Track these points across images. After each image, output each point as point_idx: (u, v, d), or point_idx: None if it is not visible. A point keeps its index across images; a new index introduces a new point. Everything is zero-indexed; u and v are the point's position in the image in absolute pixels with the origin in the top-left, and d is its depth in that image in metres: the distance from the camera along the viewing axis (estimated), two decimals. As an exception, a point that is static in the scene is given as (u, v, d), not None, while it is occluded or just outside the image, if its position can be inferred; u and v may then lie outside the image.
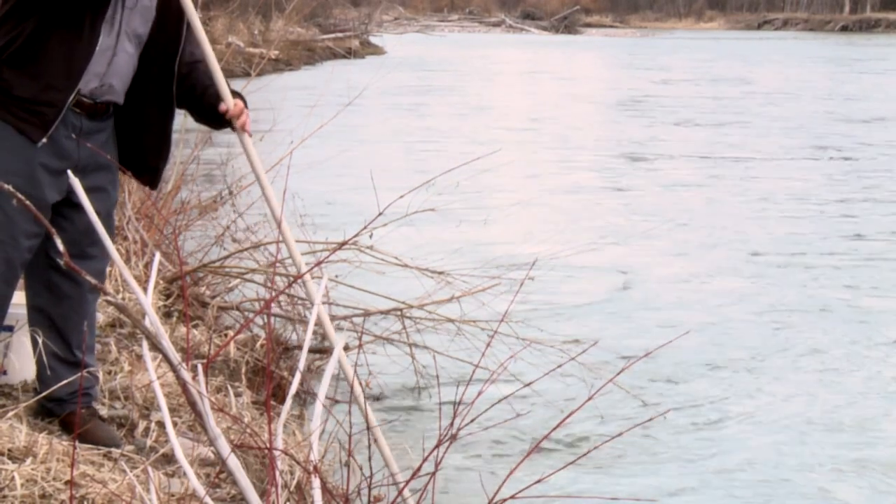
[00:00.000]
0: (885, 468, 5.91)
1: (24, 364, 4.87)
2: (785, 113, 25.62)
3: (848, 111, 25.86)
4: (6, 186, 3.38)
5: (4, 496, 3.65)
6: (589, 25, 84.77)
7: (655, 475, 5.77)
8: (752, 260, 10.81)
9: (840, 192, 14.89)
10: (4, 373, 4.92)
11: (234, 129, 4.61)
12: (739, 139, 20.59)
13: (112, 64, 4.37)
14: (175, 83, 4.54)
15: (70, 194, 4.20)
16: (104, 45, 4.33)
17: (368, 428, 3.82)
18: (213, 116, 4.62)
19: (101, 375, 5.01)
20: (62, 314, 4.56)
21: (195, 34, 4.52)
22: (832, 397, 7.03)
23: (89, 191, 3.74)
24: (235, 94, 4.61)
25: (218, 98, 4.54)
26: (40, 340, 4.59)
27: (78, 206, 3.92)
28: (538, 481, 3.28)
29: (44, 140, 4.28)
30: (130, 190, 7.38)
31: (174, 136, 4.67)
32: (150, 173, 4.67)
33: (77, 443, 4.00)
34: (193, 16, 4.51)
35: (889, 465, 5.94)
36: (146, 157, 4.60)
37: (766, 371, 7.56)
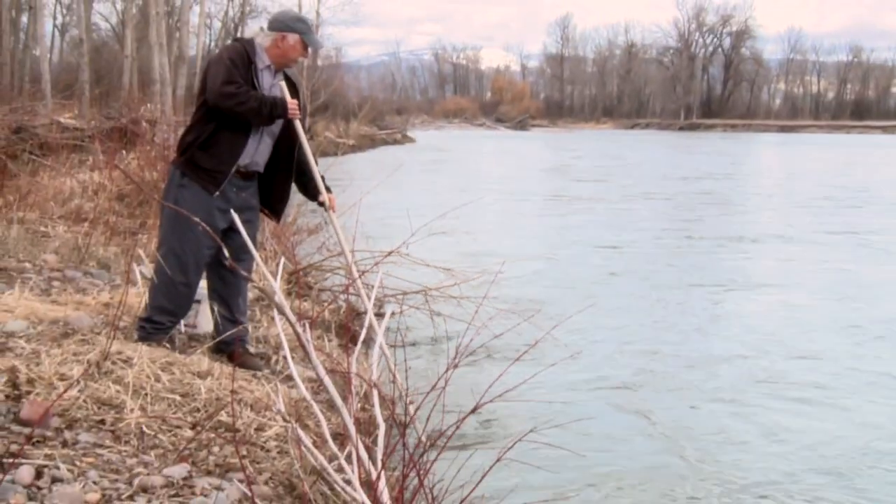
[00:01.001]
0: None
1: (206, 322, 4.86)
2: (635, 172, 25.94)
3: (678, 173, 25.86)
4: (195, 219, 3.40)
5: (195, 398, 3.64)
6: (535, 125, 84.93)
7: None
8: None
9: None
10: (194, 327, 4.92)
11: (324, 206, 4.67)
12: (606, 185, 20.66)
13: (257, 150, 4.41)
14: (294, 168, 4.54)
15: (232, 223, 4.20)
16: (253, 139, 4.36)
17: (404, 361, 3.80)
18: (314, 198, 4.70)
19: (250, 329, 5.00)
20: (228, 293, 4.58)
21: (303, 146, 4.55)
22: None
23: (243, 222, 3.75)
24: (327, 188, 4.67)
25: (317, 190, 4.62)
26: (216, 308, 4.59)
27: (237, 230, 3.93)
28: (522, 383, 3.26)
29: (217, 193, 4.32)
30: (268, 220, 7.37)
31: (291, 192, 4.70)
32: (276, 213, 4.68)
33: (236, 368, 3.99)
34: (303, 137, 4.54)
35: None
36: (274, 203, 4.61)
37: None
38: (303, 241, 8.12)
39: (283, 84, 4.44)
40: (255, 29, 4.62)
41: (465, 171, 27.42)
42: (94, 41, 33.36)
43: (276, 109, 4.29)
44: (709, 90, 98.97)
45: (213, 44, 43.83)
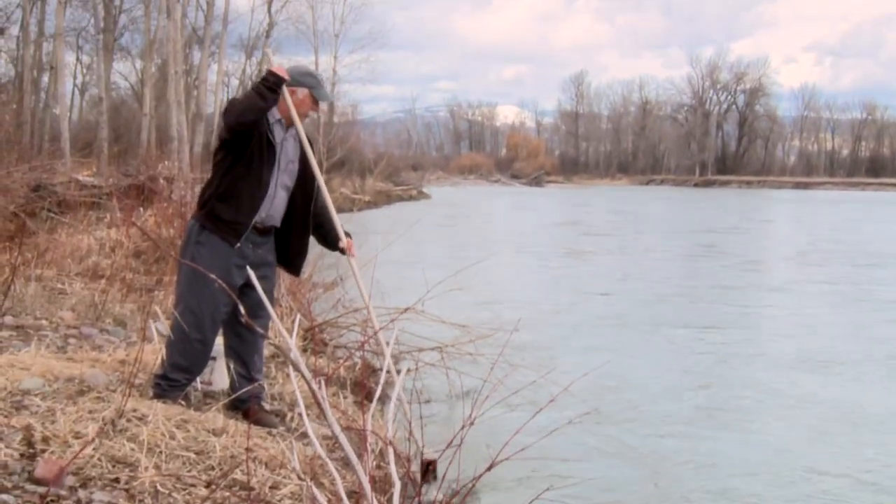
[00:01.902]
0: None
1: (222, 379, 4.86)
2: (648, 226, 25.88)
3: (690, 227, 25.87)
4: (212, 276, 3.41)
5: (210, 456, 3.63)
6: (550, 182, 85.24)
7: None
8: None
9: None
10: (210, 384, 4.91)
11: (344, 254, 4.67)
12: (620, 240, 20.65)
13: (272, 204, 4.43)
14: (312, 221, 4.56)
15: (248, 279, 4.22)
16: (270, 193, 4.38)
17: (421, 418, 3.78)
18: (334, 247, 4.69)
19: (266, 386, 4.99)
20: (245, 350, 4.57)
21: (322, 195, 4.58)
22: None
23: (259, 278, 3.76)
24: (346, 233, 4.66)
25: (337, 237, 4.62)
26: (232, 365, 4.59)
27: (253, 287, 3.94)
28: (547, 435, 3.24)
29: (237, 244, 4.34)
30: (284, 276, 7.41)
31: (309, 246, 4.71)
32: (294, 268, 4.68)
33: (251, 425, 3.97)
34: (322, 184, 4.58)
35: None
36: (292, 258, 4.62)
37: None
38: (319, 297, 8.15)
39: (302, 131, 4.46)
40: None
41: (481, 226, 27.56)
42: (112, 100, 33.91)
43: (267, 81, 4.21)
44: (723, 147, 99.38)
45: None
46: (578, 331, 9.55)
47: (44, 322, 6.07)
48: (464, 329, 6.99)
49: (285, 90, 4.35)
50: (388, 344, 4.50)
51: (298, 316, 4.59)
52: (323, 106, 4.79)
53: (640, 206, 42.60)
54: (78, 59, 39.90)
